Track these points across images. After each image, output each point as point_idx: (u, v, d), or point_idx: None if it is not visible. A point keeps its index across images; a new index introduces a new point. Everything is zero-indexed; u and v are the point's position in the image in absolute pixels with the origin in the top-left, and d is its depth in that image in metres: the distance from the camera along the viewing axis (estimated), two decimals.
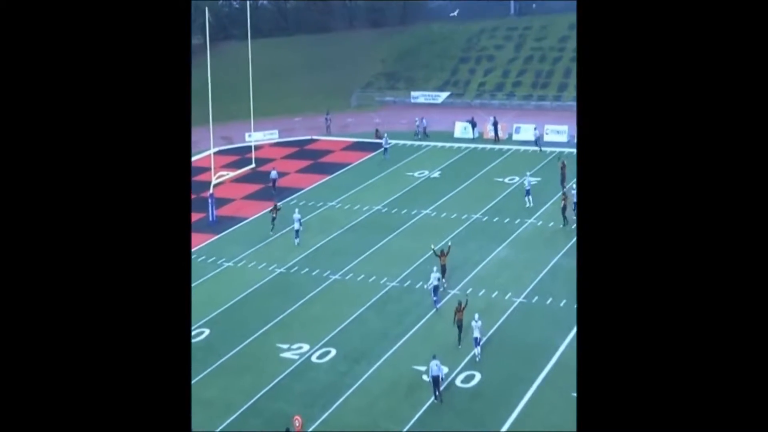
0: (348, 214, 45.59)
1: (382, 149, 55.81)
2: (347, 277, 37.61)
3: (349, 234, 42.88)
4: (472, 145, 57.54)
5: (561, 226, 41.43)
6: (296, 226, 41.69)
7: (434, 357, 27.89)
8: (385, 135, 57.08)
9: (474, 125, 59.23)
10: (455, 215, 44.46)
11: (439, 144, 58.22)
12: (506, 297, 34.78)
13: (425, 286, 35.27)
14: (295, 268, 38.90)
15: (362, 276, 37.61)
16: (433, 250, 36.77)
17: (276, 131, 61.57)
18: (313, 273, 38.17)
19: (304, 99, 70.64)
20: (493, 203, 45.94)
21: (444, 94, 69.54)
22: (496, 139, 57.96)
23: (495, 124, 58.40)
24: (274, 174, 50.49)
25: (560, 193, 44.38)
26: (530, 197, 45.04)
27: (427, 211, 45.42)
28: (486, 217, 44.03)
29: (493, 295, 34.91)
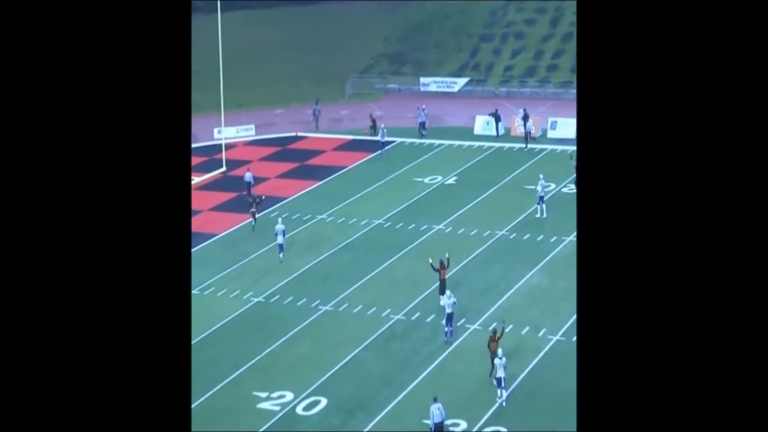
0: (342, 230, 45.73)
1: (380, 147, 56.08)
2: (341, 309, 37.72)
3: (343, 254, 43.00)
4: (497, 145, 57.75)
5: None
6: (279, 240, 41.83)
7: (435, 399, 28.17)
8: (382, 126, 57.29)
9: (498, 119, 59.45)
10: (475, 231, 44.58)
11: (456, 143, 58.43)
12: (540, 334, 34.86)
13: (443, 303, 35.30)
14: (277, 296, 39.01)
15: (359, 307, 37.72)
16: (430, 263, 36.88)
17: (252, 126, 61.80)
18: (299, 303, 38.28)
19: (288, 86, 70.91)
20: (522, 217, 46.03)
21: (461, 81, 69.80)
22: (527, 137, 58.14)
23: (525, 118, 58.57)
24: (248, 177, 50.52)
25: None
26: (543, 205, 45.25)
27: (440, 226, 45.55)
28: (514, 234, 44.13)
29: (524, 332, 34.99)
